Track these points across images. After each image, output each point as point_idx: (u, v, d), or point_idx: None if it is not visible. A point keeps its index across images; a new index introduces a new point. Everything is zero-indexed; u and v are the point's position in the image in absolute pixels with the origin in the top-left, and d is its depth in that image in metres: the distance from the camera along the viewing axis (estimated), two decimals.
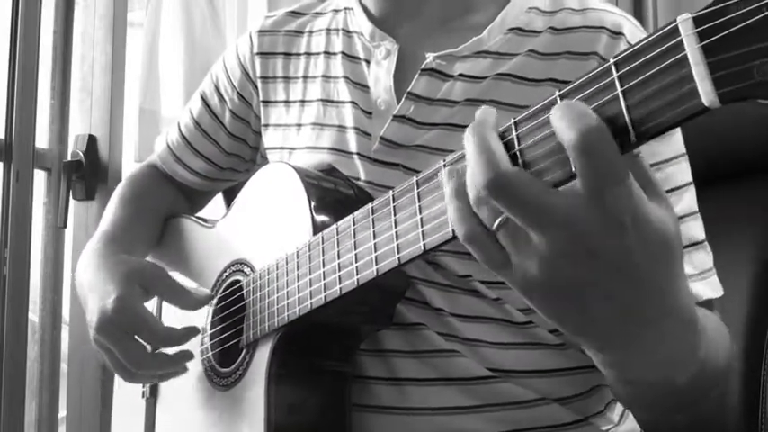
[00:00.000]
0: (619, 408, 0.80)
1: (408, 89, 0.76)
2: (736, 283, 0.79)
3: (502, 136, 0.45)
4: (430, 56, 0.76)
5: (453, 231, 0.49)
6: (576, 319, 0.45)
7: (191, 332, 0.79)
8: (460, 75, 0.75)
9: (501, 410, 0.71)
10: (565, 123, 0.40)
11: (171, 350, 0.80)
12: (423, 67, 0.76)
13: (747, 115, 0.81)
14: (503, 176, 0.42)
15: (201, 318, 0.85)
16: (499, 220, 0.43)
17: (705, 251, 0.71)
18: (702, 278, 0.69)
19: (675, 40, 0.36)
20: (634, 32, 0.74)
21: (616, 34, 0.73)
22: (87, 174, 1.49)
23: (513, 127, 0.45)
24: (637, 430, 0.81)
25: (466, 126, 0.73)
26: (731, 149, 0.88)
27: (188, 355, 0.79)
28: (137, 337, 0.77)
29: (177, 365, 0.80)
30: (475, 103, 0.74)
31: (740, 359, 0.85)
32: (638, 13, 1.47)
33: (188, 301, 0.81)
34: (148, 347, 0.78)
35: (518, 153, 0.45)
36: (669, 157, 0.71)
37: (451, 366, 0.72)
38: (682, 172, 0.72)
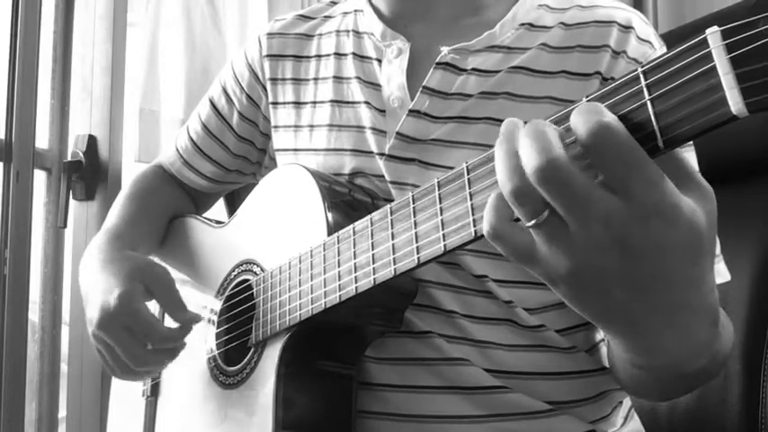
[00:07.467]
0: (623, 410, 0.81)
1: (424, 83, 0.76)
2: (736, 284, 0.79)
3: None
4: (444, 49, 0.77)
5: (476, 233, 0.50)
6: (599, 307, 0.46)
7: (188, 331, 0.81)
8: (474, 69, 0.76)
9: (509, 421, 0.72)
10: (580, 120, 0.40)
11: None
12: (438, 60, 0.77)
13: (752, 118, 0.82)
14: (556, 161, 0.41)
15: (205, 315, 0.85)
16: (545, 213, 0.42)
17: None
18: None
19: (704, 52, 0.38)
20: (642, 27, 0.76)
21: (626, 28, 0.75)
22: (87, 174, 1.48)
23: None
24: (640, 431, 0.82)
25: (480, 119, 0.75)
26: (734, 151, 0.89)
27: (183, 345, 0.80)
28: (136, 334, 0.78)
29: (174, 358, 0.81)
30: (489, 96, 0.75)
31: (740, 359, 0.86)
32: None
33: (179, 315, 0.81)
34: (148, 345, 0.79)
35: None
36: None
37: (460, 375, 0.72)
38: (691, 160, 0.73)
